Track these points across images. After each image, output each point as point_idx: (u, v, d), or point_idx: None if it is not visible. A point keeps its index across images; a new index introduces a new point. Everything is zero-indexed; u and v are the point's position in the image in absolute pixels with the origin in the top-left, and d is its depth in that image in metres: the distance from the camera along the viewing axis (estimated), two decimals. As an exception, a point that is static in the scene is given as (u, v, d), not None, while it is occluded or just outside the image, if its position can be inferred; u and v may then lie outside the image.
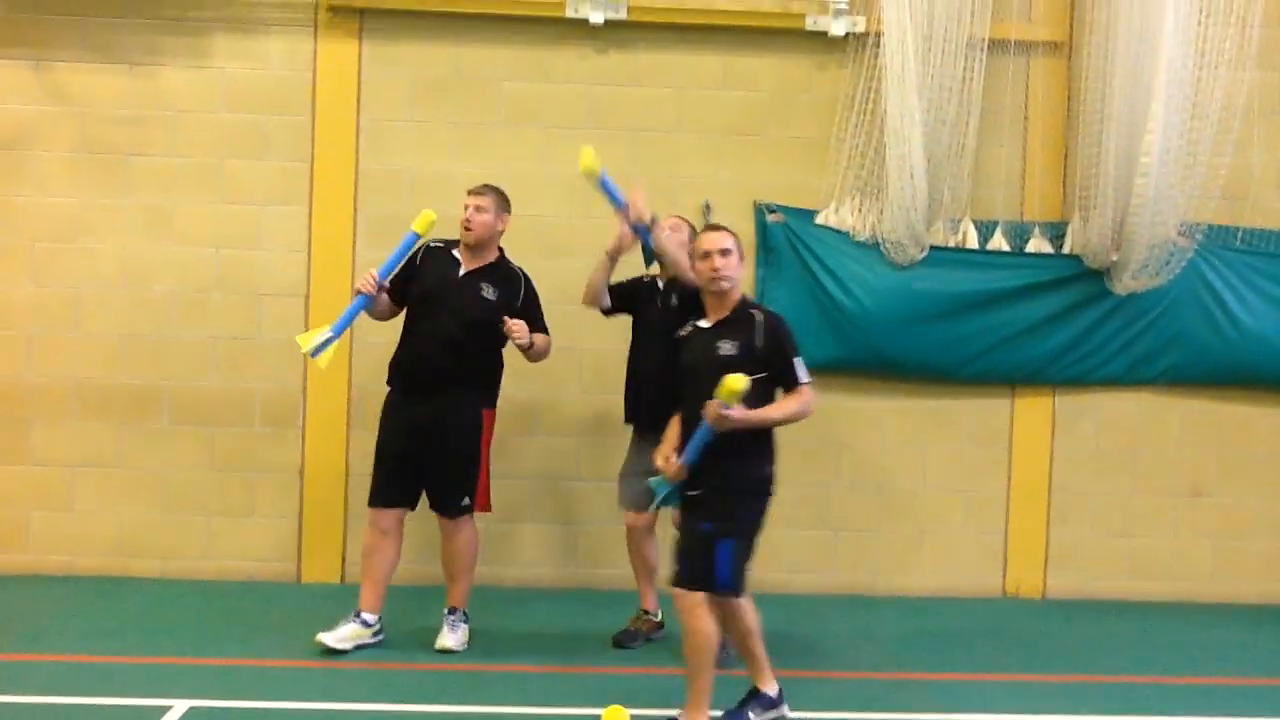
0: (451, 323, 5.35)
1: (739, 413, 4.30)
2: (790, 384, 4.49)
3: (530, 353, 5.50)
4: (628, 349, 5.69)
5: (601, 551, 6.59)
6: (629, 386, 5.63)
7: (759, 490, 4.48)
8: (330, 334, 5.25)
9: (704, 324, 4.60)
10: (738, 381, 4.21)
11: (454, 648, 5.39)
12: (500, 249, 5.56)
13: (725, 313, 4.54)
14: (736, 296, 4.57)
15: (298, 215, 6.50)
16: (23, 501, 6.49)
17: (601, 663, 5.34)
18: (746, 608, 4.50)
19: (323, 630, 5.32)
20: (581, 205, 6.56)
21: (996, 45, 6.48)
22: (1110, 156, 6.30)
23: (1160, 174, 6.25)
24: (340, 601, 6.06)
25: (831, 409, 6.67)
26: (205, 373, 6.53)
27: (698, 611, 4.33)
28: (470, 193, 5.48)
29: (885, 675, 5.35)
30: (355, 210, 6.49)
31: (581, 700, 4.78)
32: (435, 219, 5.27)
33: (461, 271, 5.44)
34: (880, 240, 6.54)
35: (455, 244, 5.51)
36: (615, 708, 4.50)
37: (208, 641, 5.45)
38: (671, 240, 5.35)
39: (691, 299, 5.20)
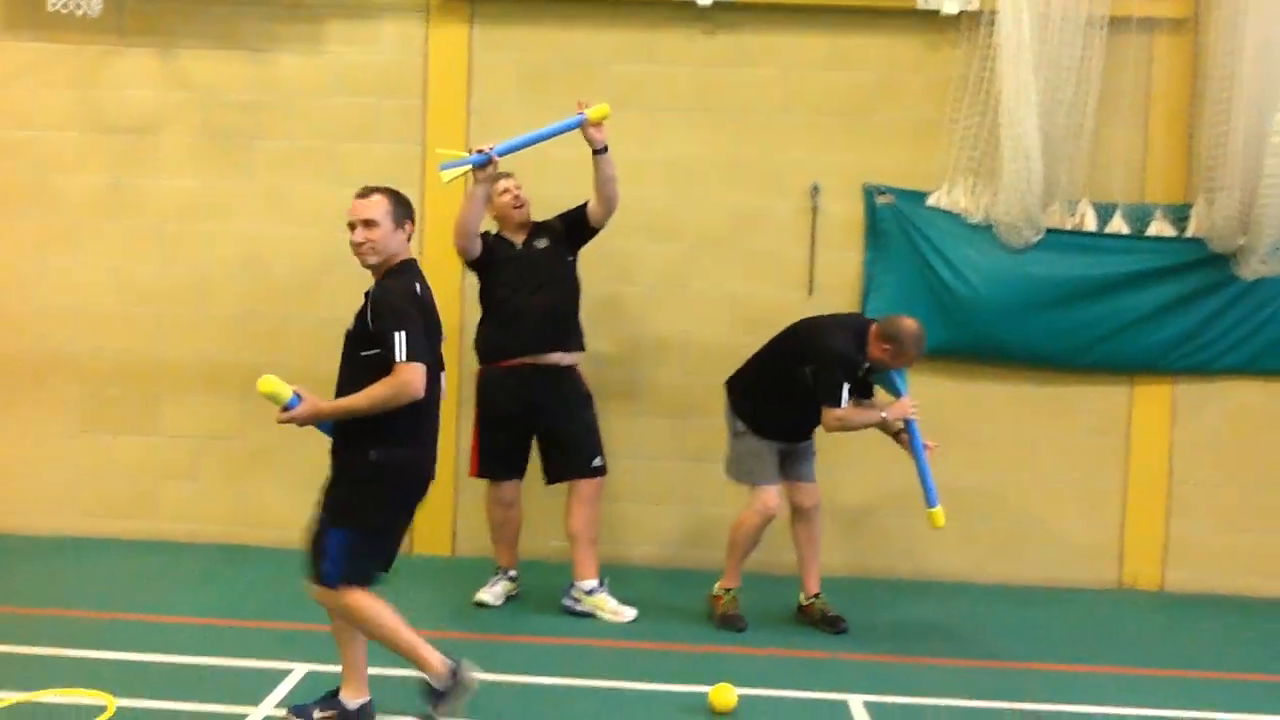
0: (539, 294, 5.60)
1: (304, 411, 3.94)
2: (389, 363, 3.98)
3: (609, 170, 5.53)
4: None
5: (703, 532, 6.62)
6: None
7: (374, 477, 4.05)
8: (469, 161, 5.30)
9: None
10: (263, 384, 3.90)
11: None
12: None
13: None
14: (389, 268, 4.17)
15: (410, 198, 6.60)
16: (152, 472, 6.78)
17: (711, 641, 5.39)
18: (362, 603, 4.05)
19: (477, 591, 5.79)
20: (686, 188, 6.57)
21: (1117, 22, 6.29)
22: (1238, 135, 6.06)
23: (1292, 153, 5.99)
24: (451, 574, 6.21)
25: (941, 396, 6.56)
26: (321, 351, 6.65)
27: (324, 600, 4.12)
28: (508, 175, 5.68)
29: (996, 664, 5.27)
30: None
31: (686, 678, 4.83)
32: (608, 112, 5.38)
33: (519, 244, 5.71)
34: (994, 223, 6.40)
35: (495, 232, 5.78)
36: (722, 685, 4.53)
37: (323, 609, 5.61)
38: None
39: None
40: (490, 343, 5.74)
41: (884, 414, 5.36)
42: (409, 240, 4.32)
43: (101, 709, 4.30)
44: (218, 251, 6.72)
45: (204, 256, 6.73)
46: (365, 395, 3.97)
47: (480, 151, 5.30)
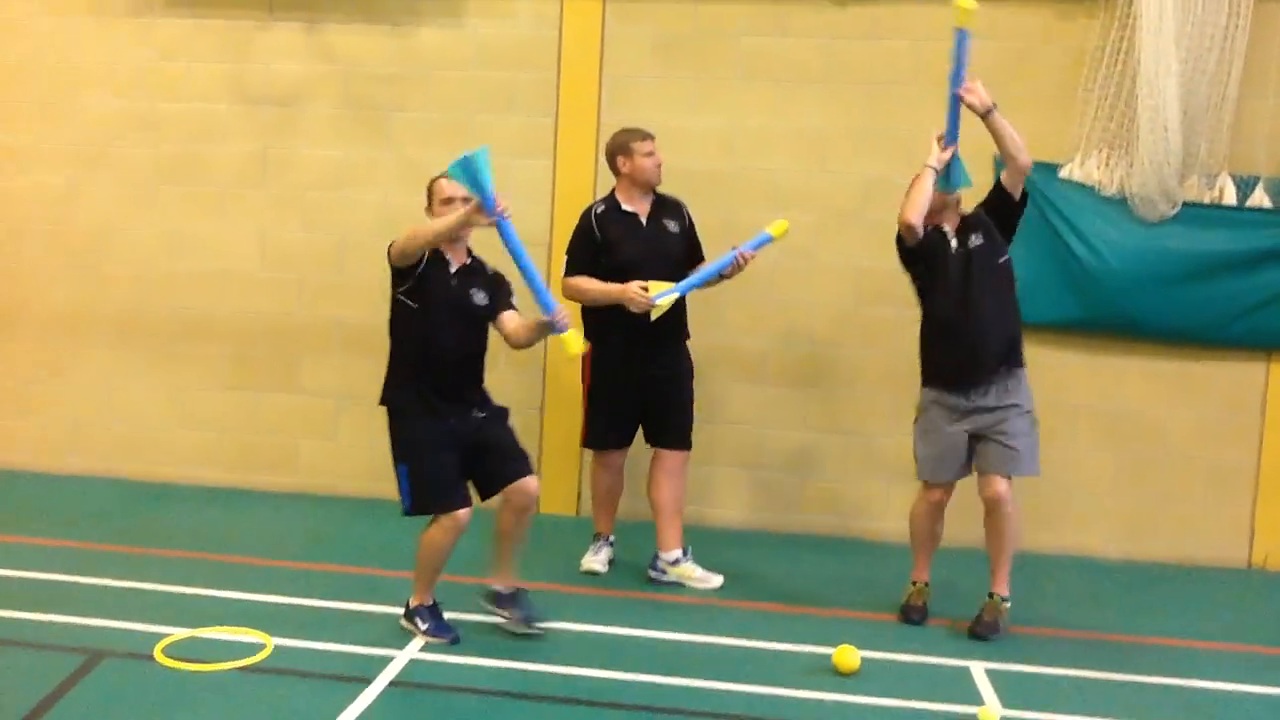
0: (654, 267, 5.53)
1: None
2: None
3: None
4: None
5: (829, 502, 6.69)
6: (928, 343, 5.26)
7: (390, 414, 4.82)
8: (677, 290, 5.48)
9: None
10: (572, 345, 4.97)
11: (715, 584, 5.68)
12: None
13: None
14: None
15: (543, 168, 6.80)
16: (293, 429, 7.11)
17: (833, 605, 5.48)
18: (436, 526, 4.81)
19: (583, 557, 5.87)
20: (815, 160, 6.61)
21: (1265, -11, 6.13)
22: (1392, 106, 5.86)
23: None
24: (578, 532, 6.37)
25: (1070, 368, 6.51)
26: (453, 316, 6.93)
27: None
28: (651, 138, 5.62)
29: (1120, 638, 5.24)
30: (596, 163, 6.73)
31: (810, 639, 4.93)
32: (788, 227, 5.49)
33: (644, 220, 5.63)
34: (1129, 196, 6.29)
35: (610, 198, 5.67)
36: (845, 647, 4.62)
37: (457, 561, 5.84)
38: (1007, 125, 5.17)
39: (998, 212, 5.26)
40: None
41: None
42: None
43: (260, 646, 4.60)
44: (357, 219, 6.98)
45: (344, 223, 7.00)
46: None
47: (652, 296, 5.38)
